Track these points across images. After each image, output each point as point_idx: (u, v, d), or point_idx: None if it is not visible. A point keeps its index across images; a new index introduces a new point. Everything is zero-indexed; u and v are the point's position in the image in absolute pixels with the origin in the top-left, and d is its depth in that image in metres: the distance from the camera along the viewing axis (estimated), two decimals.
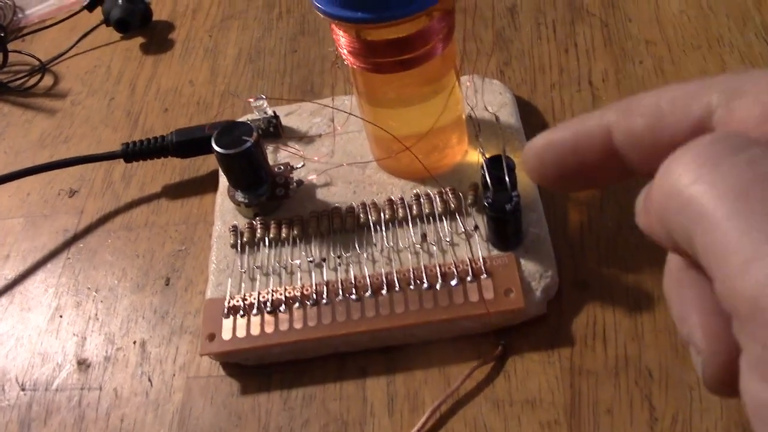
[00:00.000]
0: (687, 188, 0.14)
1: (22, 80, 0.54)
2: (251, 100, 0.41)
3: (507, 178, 0.33)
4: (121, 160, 0.44)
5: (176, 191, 0.44)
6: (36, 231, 0.44)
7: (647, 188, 0.16)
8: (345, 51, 0.33)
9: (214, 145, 0.36)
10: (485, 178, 0.33)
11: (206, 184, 0.43)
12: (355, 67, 0.33)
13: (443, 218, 0.36)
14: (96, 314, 0.39)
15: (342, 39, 0.33)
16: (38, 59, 0.55)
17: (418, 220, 0.36)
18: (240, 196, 0.38)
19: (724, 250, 0.13)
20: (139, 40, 0.55)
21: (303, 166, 0.40)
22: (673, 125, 0.16)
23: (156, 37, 0.55)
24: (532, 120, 0.42)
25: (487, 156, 0.34)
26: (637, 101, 0.17)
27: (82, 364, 0.37)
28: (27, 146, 0.49)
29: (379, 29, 0.31)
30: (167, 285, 0.39)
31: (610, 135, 0.18)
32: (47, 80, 0.54)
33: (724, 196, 0.13)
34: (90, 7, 0.57)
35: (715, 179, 0.14)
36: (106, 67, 0.54)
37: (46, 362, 0.38)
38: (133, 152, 0.43)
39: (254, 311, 0.35)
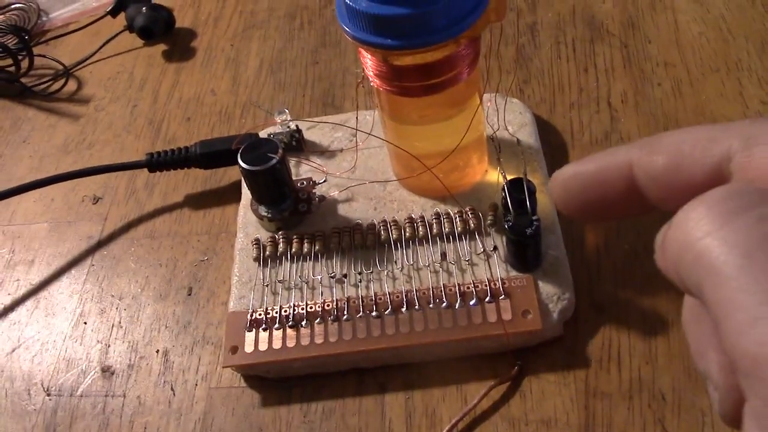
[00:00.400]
0: (699, 241, 0.15)
1: (47, 84, 0.55)
2: (278, 120, 0.41)
3: (528, 202, 0.33)
4: (145, 168, 0.45)
5: (199, 201, 0.45)
6: (60, 237, 0.45)
7: (666, 228, 0.17)
8: (371, 73, 0.34)
9: (240, 162, 0.36)
10: (506, 201, 0.34)
11: (228, 195, 0.44)
12: (381, 89, 0.34)
13: (463, 238, 0.37)
14: (120, 322, 0.40)
15: (369, 62, 0.33)
16: (62, 64, 0.55)
17: (438, 238, 0.37)
18: (263, 211, 0.39)
19: (730, 307, 0.14)
20: (162, 47, 0.56)
21: (325, 181, 0.41)
22: (693, 167, 0.17)
23: (178, 44, 0.56)
24: (551, 140, 0.42)
25: (508, 178, 0.34)
26: (660, 140, 0.18)
27: (107, 371, 0.38)
28: (51, 151, 0.50)
29: (406, 55, 0.32)
30: (189, 295, 0.40)
31: (633, 171, 0.18)
32: (71, 85, 0.55)
33: (734, 253, 0.14)
34: (113, 13, 0.57)
35: (726, 235, 0.14)
36: (128, 74, 0.54)
37: (71, 368, 0.39)
38: (158, 162, 0.44)
39: (276, 325, 0.35)
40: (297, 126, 0.43)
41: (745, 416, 0.14)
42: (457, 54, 0.32)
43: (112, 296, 0.41)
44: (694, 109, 0.42)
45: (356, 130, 0.42)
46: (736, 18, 0.46)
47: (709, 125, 0.17)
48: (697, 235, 0.15)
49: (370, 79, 0.34)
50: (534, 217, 0.33)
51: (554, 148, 0.42)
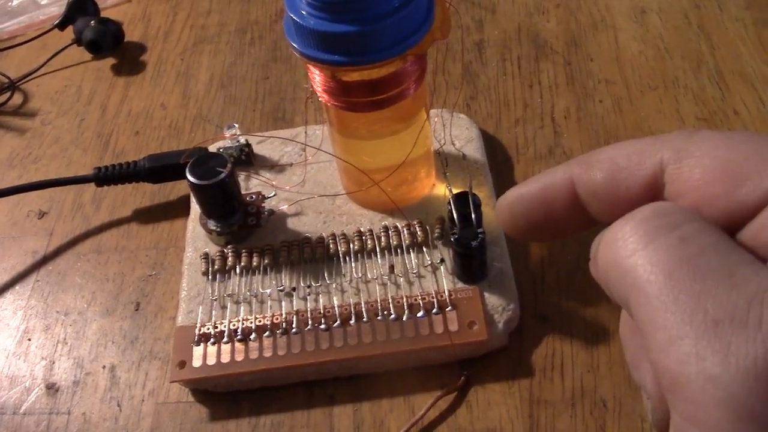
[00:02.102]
0: (626, 260, 0.15)
1: None
2: (227, 135, 0.41)
3: (473, 216, 0.34)
4: (92, 182, 0.44)
5: (147, 216, 0.44)
6: (4, 252, 0.44)
7: (599, 238, 0.18)
8: (320, 89, 0.34)
9: (188, 176, 0.36)
10: (452, 214, 0.34)
11: (177, 210, 0.44)
12: (329, 104, 0.35)
13: (410, 250, 0.37)
14: (65, 338, 0.39)
15: (317, 77, 0.34)
16: (8, 77, 0.55)
17: (386, 251, 0.38)
18: (212, 225, 0.39)
19: (653, 325, 0.14)
20: (111, 60, 0.55)
21: (275, 195, 0.41)
22: (628, 179, 0.18)
23: (127, 58, 0.55)
24: (497, 154, 0.43)
25: (454, 192, 0.35)
26: (597, 155, 0.19)
27: (51, 389, 0.37)
28: None
29: (354, 71, 0.32)
30: (137, 310, 0.40)
31: (574, 187, 0.19)
32: (17, 98, 0.54)
33: (656, 272, 0.14)
34: (61, 26, 0.57)
35: (649, 255, 0.15)
36: (76, 87, 0.54)
37: (14, 385, 0.38)
38: (105, 176, 0.43)
39: (225, 339, 0.35)
40: (246, 140, 0.43)
41: (670, 428, 0.15)
42: (404, 70, 0.33)
43: (58, 312, 0.41)
44: (634, 125, 0.44)
45: (305, 144, 0.42)
46: (673, 38, 0.48)
47: (645, 138, 0.18)
48: (624, 254, 0.15)
49: (319, 94, 0.35)
50: (479, 230, 0.34)
51: (500, 163, 0.43)
